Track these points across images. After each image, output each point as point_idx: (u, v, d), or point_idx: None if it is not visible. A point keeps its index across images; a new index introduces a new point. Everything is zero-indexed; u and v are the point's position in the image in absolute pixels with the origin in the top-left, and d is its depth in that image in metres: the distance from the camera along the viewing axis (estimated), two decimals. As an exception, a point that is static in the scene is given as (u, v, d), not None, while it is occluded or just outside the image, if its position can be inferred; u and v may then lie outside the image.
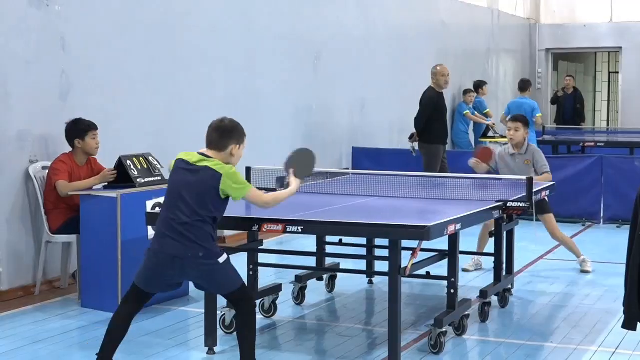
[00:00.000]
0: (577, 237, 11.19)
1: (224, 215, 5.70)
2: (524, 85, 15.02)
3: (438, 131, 12.00)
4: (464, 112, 16.20)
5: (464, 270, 8.79)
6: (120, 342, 5.53)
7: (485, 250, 8.45)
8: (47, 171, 7.81)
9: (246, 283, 6.91)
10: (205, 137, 5.56)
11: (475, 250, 8.63)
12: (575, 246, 9.19)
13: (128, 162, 7.66)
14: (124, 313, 5.56)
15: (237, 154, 5.58)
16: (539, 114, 14.66)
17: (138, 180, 7.60)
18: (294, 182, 5.90)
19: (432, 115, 11.94)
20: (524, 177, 7.01)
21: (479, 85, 16.98)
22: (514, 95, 18.00)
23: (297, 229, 5.74)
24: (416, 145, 12.10)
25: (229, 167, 5.44)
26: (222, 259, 5.43)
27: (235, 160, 5.58)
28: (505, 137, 16.15)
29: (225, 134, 5.53)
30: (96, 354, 5.48)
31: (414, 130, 12.18)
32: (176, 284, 5.60)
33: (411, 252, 5.98)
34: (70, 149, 7.86)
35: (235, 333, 6.62)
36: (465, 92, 16.43)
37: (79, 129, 7.81)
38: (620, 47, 21.89)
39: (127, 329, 5.56)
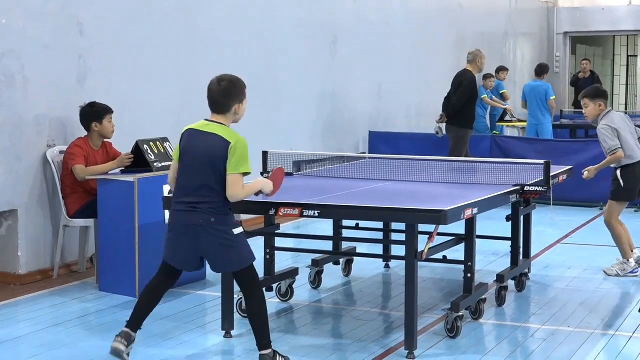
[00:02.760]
0: (595, 221, 11.17)
1: (242, 199, 5.70)
2: (541, 70, 14.99)
3: (470, 115, 11.97)
4: (482, 97, 16.16)
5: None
6: (149, 314, 5.61)
7: (501, 235, 8.44)
8: (64, 155, 7.84)
9: (263, 267, 6.98)
10: (207, 101, 5.52)
11: (492, 234, 8.61)
12: (625, 244, 8.27)
13: (145, 146, 7.68)
14: (153, 285, 5.64)
15: (240, 111, 5.52)
16: (553, 97, 14.61)
17: (155, 164, 7.62)
18: (265, 182, 5.61)
19: (471, 98, 11.92)
20: (542, 161, 6.99)
21: (499, 70, 16.95)
22: (530, 78, 17.92)
23: (314, 213, 5.74)
24: (443, 127, 12.05)
25: (240, 139, 5.36)
26: (236, 230, 5.42)
27: (239, 117, 5.54)
28: (522, 121, 16.19)
29: (226, 96, 5.45)
30: (126, 321, 5.60)
31: (439, 112, 12.14)
32: (196, 262, 5.55)
33: (428, 236, 5.99)
34: (86, 133, 7.88)
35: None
36: (486, 76, 16.38)
37: (95, 112, 7.83)
38: (639, 31, 21.74)
39: (155, 301, 5.63)
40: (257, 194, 5.60)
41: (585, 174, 8.18)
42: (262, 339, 5.48)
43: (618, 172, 8.18)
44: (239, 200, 5.42)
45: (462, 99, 11.78)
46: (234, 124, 5.56)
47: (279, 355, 5.53)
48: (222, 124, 5.44)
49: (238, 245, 5.44)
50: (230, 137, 5.35)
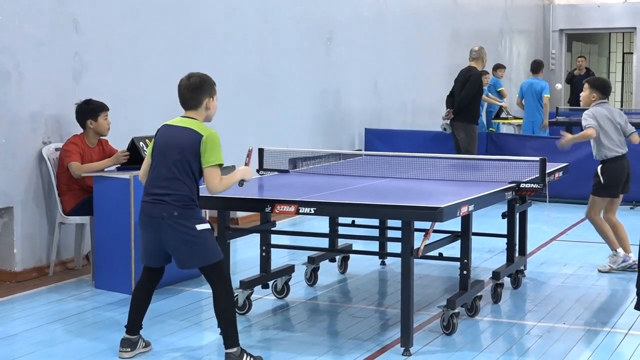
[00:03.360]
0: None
1: (238, 196, 5.72)
2: (536, 67, 15.01)
3: (476, 110, 12.07)
4: (478, 93, 16.15)
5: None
6: (143, 314, 5.72)
7: (497, 232, 8.44)
8: (59, 153, 7.83)
9: (259, 264, 6.98)
10: (178, 98, 5.59)
11: (488, 232, 8.62)
12: (611, 236, 8.29)
13: (141, 143, 7.67)
14: (138, 286, 5.75)
15: (212, 106, 5.59)
16: (547, 94, 14.62)
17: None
18: (244, 170, 5.66)
19: (477, 94, 11.98)
20: (537, 158, 6.99)
21: (497, 67, 16.95)
22: (527, 77, 17.93)
23: (310, 210, 5.74)
24: (448, 122, 12.06)
25: (212, 132, 5.43)
26: (200, 227, 5.41)
27: (212, 112, 5.61)
28: (517, 118, 16.19)
29: (196, 91, 5.53)
30: (125, 326, 5.72)
31: (434, 109, 12.16)
32: (163, 256, 5.57)
33: (424, 233, 5.99)
34: (82, 130, 7.88)
35: (247, 314, 6.67)
36: (482, 73, 16.36)
37: (91, 109, 7.82)
38: (635, 28, 21.77)
39: (145, 301, 5.73)
40: (240, 184, 5.64)
41: (562, 140, 8.23)
42: (229, 338, 5.46)
43: (599, 167, 8.22)
44: (219, 192, 5.49)
45: (470, 95, 11.80)
46: (208, 122, 5.60)
47: (247, 354, 5.48)
48: (195, 119, 5.52)
49: (201, 241, 5.42)
50: (202, 130, 5.42)
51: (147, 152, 5.68)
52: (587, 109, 8.28)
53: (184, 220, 5.37)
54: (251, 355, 5.52)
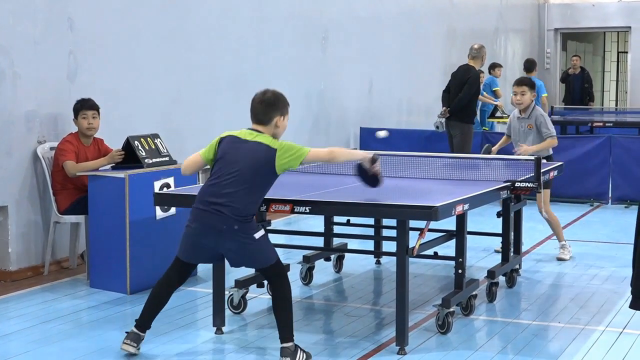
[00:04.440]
0: (585, 217, 11.21)
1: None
2: (530, 66, 15.06)
3: (472, 110, 12.06)
4: (473, 93, 16.16)
5: (497, 251, 8.63)
6: (158, 312, 5.72)
7: (492, 231, 8.45)
8: (54, 152, 7.82)
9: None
10: (250, 111, 5.65)
11: (482, 230, 8.62)
12: (561, 229, 8.81)
13: (136, 142, 7.67)
14: (165, 283, 5.72)
15: (282, 125, 5.67)
16: (545, 94, 14.64)
17: (146, 160, 7.61)
18: (364, 154, 5.93)
19: (477, 93, 11.98)
20: (532, 158, 7.00)
21: (493, 66, 16.96)
22: (521, 74, 17.94)
23: (305, 209, 5.74)
24: (443, 120, 12.06)
25: (282, 142, 5.54)
26: (258, 235, 5.50)
27: (280, 131, 5.68)
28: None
29: (268, 107, 5.61)
30: (135, 320, 5.70)
31: (430, 108, 12.16)
32: (216, 257, 5.66)
33: (419, 232, 5.99)
34: (77, 129, 7.89)
35: (242, 313, 6.67)
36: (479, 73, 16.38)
37: (74, 109, 7.85)
38: (630, 27, 21.80)
39: (166, 298, 5.74)
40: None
41: (521, 149, 8.32)
42: (285, 332, 5.52)
43: (544, 161, 8.23)
44: (333, 160, 5.84)
45: (469, 95, 11.80)
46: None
47: (301, 349, 5.53)
48: (263, 133, 5.58)
49: (259, 247, 5.52)
50: (273, 144, 5.51)
51: (204, 154, 5.65)
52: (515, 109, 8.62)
53: (243, 233, 5.44)
54: (305, 351, 5.54)
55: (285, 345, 5.51)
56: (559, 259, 8.69)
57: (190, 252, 5.64)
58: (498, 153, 8.55)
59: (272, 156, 5.46)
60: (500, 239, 7.61)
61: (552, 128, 8.47)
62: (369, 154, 5.88)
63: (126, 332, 5.72)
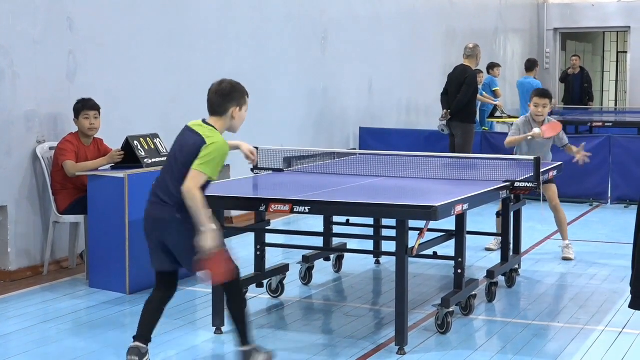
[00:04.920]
0: (585, 217, 11.20)
1: (232, 195, 5.71)
2: (530, 65, 15.05)
3: (473, 110, 12.06)
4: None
5: (488, 249, 8.94)
6: (155, 325, 5.41)
7: (491, 231, 8.46)
8: (54, 151, 7.82)
9: (253, 263, 6.98)
10: (207, 103, 5.39)
11: (482, 230, 8.63)
12: (566, 227, 8.87)
13: (135, 142, 7.67)
14: (153, 298, 5.44)
15: (238, 117, 5.37)
16: None
17: (145, 160, 7.61)
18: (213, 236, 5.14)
19: (474, 93, 11.98)
20: (532, 157, 7.00)
21: (493, 66, 16.96)
22: (521, 76, 17.96)
23: (305, 209, 5.74)
24: (445, 122, 12.06)
25: (219, 142, 5.18)
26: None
27: (237, 123, 5.39)
28: (512, 117, 16.21)
29: (224, 98, 5.33)
30: (133, 336, 5.38)
31: (429, 108, 12.16)
32: (169, 260, 5.30)
33: (418, 232, 5.99)
34: (77, 129, 7.89)
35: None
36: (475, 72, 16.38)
37: (74, 109, 7.85)
38: (629, 27, 21.80)
39: (159, 312, 5.44)
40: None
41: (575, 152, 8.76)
42: (242, 336, 5.35)
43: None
44: (185, 197, 5.07)
45: (467, 95, 11.80)
46: (231, 132, 5.43)
47: (258, 351, 5.37)
48: (212, 126, 5.30)
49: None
50: (210, 138, 5.19)
51: None
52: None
53: (187, 224, 5.14)
54: (263, 352, 5.38)
55: (243, 348, 5.33)
56: (565, 259, 8.67)
57: (153, 257, 5.35)
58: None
59: (200, 146, 5.14)
60: (492, 237, 7.60)
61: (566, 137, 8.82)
62: (214, 235, 5.10)
63: (130, 347, 5.40)
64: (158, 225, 5.23)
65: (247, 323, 5.40)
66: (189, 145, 5.18)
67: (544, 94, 8.69)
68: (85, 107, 7.81)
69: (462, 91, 11.78)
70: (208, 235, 5.05)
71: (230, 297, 5.37)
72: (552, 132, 8.56)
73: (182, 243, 5.19)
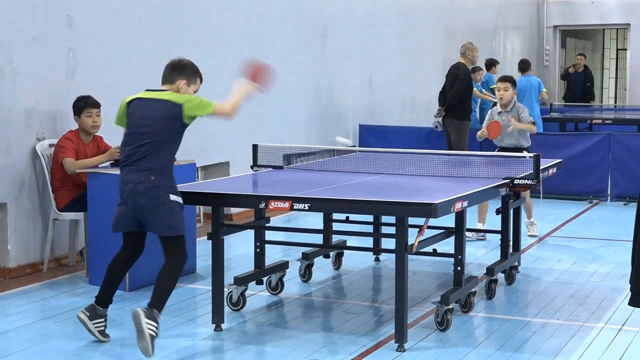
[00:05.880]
0: (585, 214, 11.21)
1: (232, 192, 5.75)
2: (524, 66, 15.08)
3: (467, 107, 12.08)
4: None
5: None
6: (116, 288, 5.93)
7: (491, 228, 8.45)
8: (53, 149, 7.82)
9: (253, 260, 6.98)
10: None
11: (483, 228, 8.64)
12: (531, 208, 9.57)
13: (135, 139, 7.65)
14: (118, 259, 5.97)
15: (184, 92, 5.83)
16: (544, 89, 14.66)
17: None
18: (246, 87, 6.05)
19: (467, 90, 11.99)
20: (532, 155, 7.00)
21: (491, 64, 16.95)
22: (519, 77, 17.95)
23: (304, 207, 5.74)
24: (440, 119, 12.07)
25: (186, 95, 5.76)
26: (173, 197, 5.69)
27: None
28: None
29: (175, 69, 5.88)
30: (94, 297, 5.89)
31: (429, 105, 12.17)
32: (136, 219, 5.75)
33: (418, 229, 5.99)
34: (77, 126, 7.88)
35: (241, 310, 6.67)
36: (475, 69, 16.37)
37: (77, 106, 7.84)
38: (629, 24, 21.79)
39: (122, 275, 5.97)
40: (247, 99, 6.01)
41: (511, 122, 9.06)
42: (157, 302, 5.62)
43: (525, 152, 8.76)
44: (236, 113, 5.90)
45: (459, 91, 11.82)
46: None
47: (155, 321, 5.53)
48: (167, 90, 5.82)
49: (174, 211, 5.70)
50: (177, 98, 5.75)
51: (119, 122, 5.95)
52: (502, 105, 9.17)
53: (159, 187, 5.65)
54: (156, 327, 5.52)
55: (148, 310, 5.55)
56: (531, 236, 9.55)
57: (122, 220, 5.79)
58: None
59: (179, 108, 5.68)
60: (477, 224, 7.59)
61: (529, 116, 9.26)
62: (252, 86, 6.05)
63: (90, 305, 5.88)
64: (133, 189, 5.67)
65: (168, 297, 5.72)
66: (167, 111, 5.70)
67: (505, 78, 9.31)
68: (87, 105, 7.81)
69: (454, 87, 11.84)
70: (245, 89, 6.00)
71: (169, 260, 5.75)
72: (493, 135, 8.94)
73: (155, 208, 5.65)
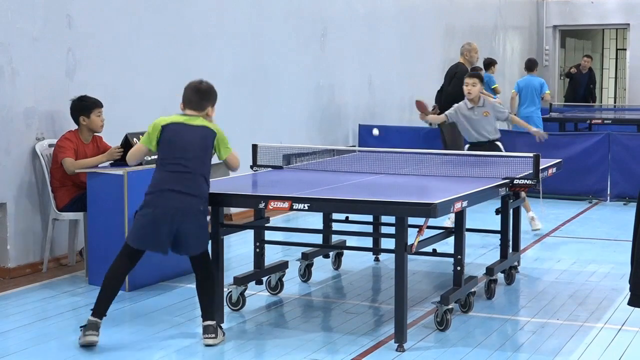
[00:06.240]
0: (584, 214, 11.21)
1: (232, 192, 5.78)
2: (531, 65, 15.05)
3: None
4: (471, 89, 16.15)
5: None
6: (114, 297, 5.89)
7: (490, 228, 8.44)
8: (53, 149, 7.82)
9: (253, 260, 7.01)
10: (183, 97, 6.00)
11: (482, 227, 8.62)
12: (527, 202, 9.57)
13: (134, 139, 7.65)
14: (117, 270, 5.92)
15: (212, 115, 6.01)
16: (548, 91, 14.66)
17: (144, 157, 7.60)
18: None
19: (461, 90, 11.97)
20: (531, 154, 7.00)
21: (489, 63, 16.94)
22: (520, 73, 17.97)
23: (304, 207, 5.75)
24: None
25: (219, 129, 5.97)
26: (209, 217, 5.98)
27: (210, 120, 6.01)
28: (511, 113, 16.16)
29: (204, 96, 5.97)
30: (91, 309, 5.83)
31: (429, 105, 12.17)
32: (165, 243, 5.83)
33: (417, 229, 6.00)
34: (76, 127, 7.87)
35: (241, 310, 6.67)
36: (475, 70, 16.36)
37: (84, 106, 7.81)
38: (628, 24, 21.79)
39: (119, 286, 5.94)
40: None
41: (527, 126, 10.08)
42: (210, 312, 5.89)
43: (499, 143, 9.47)
44: (237, 168, 6.11)
45: (455, 91, 11.81)
46: None
47: (221, 328, 5.94)
48: (201, 117, 5.95)
49: (207, 228, 5.94)
50: (213, 127, 5.95)
51: (146, 143, 5.94)
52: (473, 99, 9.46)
53: (203, 215, 5.84)
54: (223, 331, 5.96)
55: (208, 323, 5.85)
56: (534, 230, 9.79)
57: (143, 239, 5.84)
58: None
59: (213, 138, 5.91)
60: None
61: (506, 109, 9.78)
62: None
63: (81, 327, 5.81)
64: (176, 216, 5.75)
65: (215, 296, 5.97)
66: (206, 138, 5.88)
67: (473, 74, 9.67)
68: (96, 105, 7.82)
69: (450, 85, 11.92)
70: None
71: (206, 268, 5.97)
72: (418, 108, 9.48)
73: (197, 231, 5.83)
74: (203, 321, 5.88)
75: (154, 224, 5.78)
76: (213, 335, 5.83)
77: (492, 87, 16.59)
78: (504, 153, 8.26)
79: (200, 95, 5.95)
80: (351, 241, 8.32)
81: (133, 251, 5.90)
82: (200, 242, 5.87)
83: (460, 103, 9.58)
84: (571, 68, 20.35)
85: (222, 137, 5.95)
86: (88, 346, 5.72)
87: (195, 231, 5.81)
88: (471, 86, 9.41)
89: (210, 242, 6.06)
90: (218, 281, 6.10)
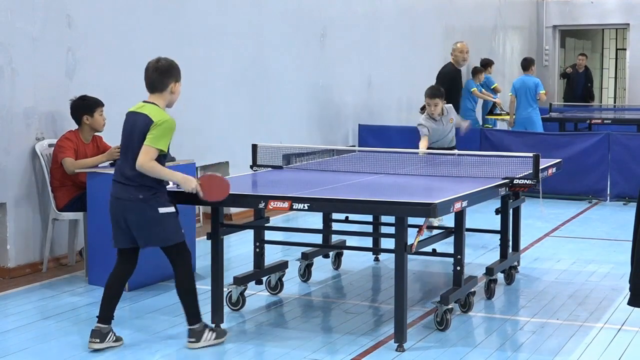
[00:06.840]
0: (584, 214, 11.21)
1: (231, 192, 5.75)
2: (526, 64, 15.03)
3: (454, 106, 12.02)
4: (472, 90, 16.16)
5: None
6: (117, 303, 5.84)
7: (490, 228, 8.44)
8: (53, 148, 7.82)
9: (252, 260, 6.98)
10: (144, 81, 5.79)
11: (481, 227, 8.62)
12: None
13: (134, 139, 7.65)
14: (114, 274, 5.88)
15: (176, 91, 5.80)
16: (543, 90, 14.63)
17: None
18: (186, 179, 5.74)
19: (449, 91, 11.93)
20: (531, 154, 7.00)
21: (487, 64, 16.95)
22: (520, 73, 17.95)
23: (304, 206, 5.74)
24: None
25: (167, 120, 5.61)
26: (163, 210, 5.66)
27: (175, 97, 5.82)
28: (510, 114, 16.20)
29: (164, 74, 5.73)
30: (96, 316, 5.79)
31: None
32: (129, 237, 5.74)
33: (417, 229, 6.00)
34: (77, 127, 7.87)
35: (241, 310, 6.67)
36: (476, 70, 16.38)
37: (87, 105, 7.81)
38: (628, 24, 21.79)
39: (121, 290, 5.88)
40: (176, 185, 5.80)
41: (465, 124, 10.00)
42: (191, 315, 5.77)
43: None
44: (143, 171, 5.57)
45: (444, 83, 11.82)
46: (169, 107, 5.81)
47: (209, 329, 5.82)
48: (155, 104, 5.71)
49: (166, 222, 5.66)
50: (156, 116, 5.61)
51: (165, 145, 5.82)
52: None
53: (146, 204, 5.61)
54: (213, 330, 5.82)
55: (192, 327, 5.76)
56: None
57: (114, 237, 5.80)
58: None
59: (148, 125, 5.57)
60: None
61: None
62: (190, 181, 5.74)
63: (92, 330, 5.77)
64: (119, 205, 5.69)
65: (196, 300, 5.80)
66: (140, 127, 5.60)
67: (432, 94, 9.48)
68: (98, 103, 7.83)
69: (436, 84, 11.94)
70: (183, 183, 5.68)
71: (176, 269, 5.77)
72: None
73: (141, 221, 5.64)
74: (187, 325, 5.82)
75: (111, 215, 5.79)
76: (194, 340, 5.76)
77: (492, 87, 16.61)
78: (503, 153, 8.24)
79: (160, 73, 5.69)
80: (351, 241, 8.32)
81: (120, 252, 5.87)
82: (152, 234, 5.66)
83: (425, 116, 9.54)
84: (567, 68, 20.36)
85: (160, 127, 5.55)
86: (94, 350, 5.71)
87: (141, 222, 5.63)
88: (433, 107, 9.46)
89: (210, 241, 6.01)
90: (193, 285, 5.85)
